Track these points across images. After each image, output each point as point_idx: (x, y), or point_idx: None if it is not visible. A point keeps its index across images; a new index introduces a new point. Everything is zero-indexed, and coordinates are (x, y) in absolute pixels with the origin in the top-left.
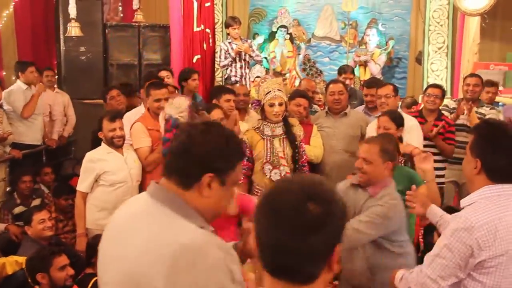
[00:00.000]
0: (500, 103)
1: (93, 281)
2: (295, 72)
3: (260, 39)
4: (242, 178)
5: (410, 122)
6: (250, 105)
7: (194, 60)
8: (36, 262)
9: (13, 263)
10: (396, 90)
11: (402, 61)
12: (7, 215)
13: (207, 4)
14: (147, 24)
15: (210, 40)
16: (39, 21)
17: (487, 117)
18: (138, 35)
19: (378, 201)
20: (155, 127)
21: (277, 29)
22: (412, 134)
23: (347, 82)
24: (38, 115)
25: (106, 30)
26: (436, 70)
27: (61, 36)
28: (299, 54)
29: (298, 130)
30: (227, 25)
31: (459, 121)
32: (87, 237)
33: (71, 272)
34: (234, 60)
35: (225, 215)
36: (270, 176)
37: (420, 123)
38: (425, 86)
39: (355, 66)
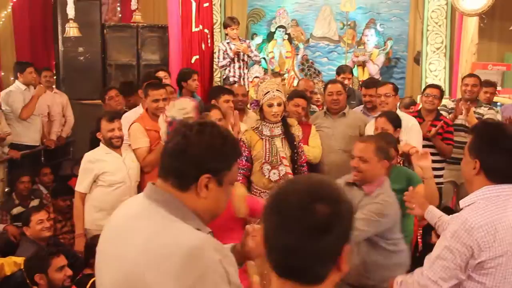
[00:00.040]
0: (498, 103)
1: (91, 281)
2: (294, 72)
3: (258, 40)
4: (240, 179)
5: (410, 122)
6: (248, 106)
7: (193, 61)
8: (34, 263)
9: (11, 263)
10: (396, 89)
11: (401, 61)
12: (5, 215)
13: (206, 5)
14: (145, 24)
15: (209, 41)
16: (37, 21)
17: (485, 117)
18: (137, 35)
19: (373, 199)
20: (153, 128)
21: (276, 29)
22: (412, 134)
23: (346, 82)
24: (37, 115)
25: (105, 31)
26: (435, 70)
27: (60, 37)
28: (297, 54)
29: (297, 131)
30: (225, 26)
31: (457, 121)
32: (85, 237)
33: (69, 273)
34: (232, 60)
35: (235, 217)
36: (269, 176)
37: (419, 123)
38: (423, 86)
39: (354, 66)
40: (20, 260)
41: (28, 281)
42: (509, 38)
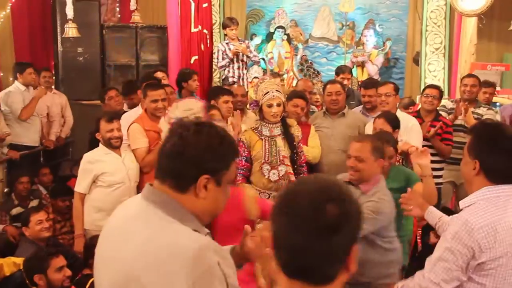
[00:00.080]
0: (497, 104)
1: (90, 282)
2: (293, 72)
3: (257, 40)
4: (240, 179)
5: (410, 122)
6: (248, 106)
7: (192, 61)
8: (33, 263)
9: (10, 264)
10: (396, 89)
11: (400, 61)
12: (4, 216)
13: (205, 5)
14: (144, 25)
15: (208, 41)
16: (36, 22)
17: (484, 117)
18: (136, 36)
19: (370, 197)
20: (152, 128)
21: (275, 30)
22: (412, 134)
23: (345, 82)
24: (36, 116)
25: (104, 31)
26: (434, 71)
27: (59, 37)
28: (296, 54)
29: (296, 131)
30: (224, 26)
31: (456, 122)
32: (85, 238)
33: (68, 273)
34: (231, 61)
35: (246, 219)
36: (269, 176)
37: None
38: (422, 86)
39: (353, 67)
40: (19, 260)
41: (27, 282)
42: (508, 38)
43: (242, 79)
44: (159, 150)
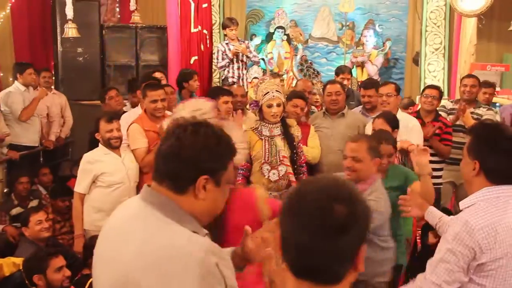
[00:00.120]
0: (497, 104)
1: (89, 282)
2: (292, 73)
3: (257, 40)
4: (240, 179)
5: (411, 122)
6: (248, 106)
7: (192, 61)
8: (33, 264)
9: (10, 264)
10: (398, 89)
11: (399, 62)
12: (4, 216)
13: (204, 5)
14: (144, 25)
15: (208, 41)
16: (36, 22)
17: (484, 118)
18: (136, 36)
19: (367, 197)
20: (152, 128)
21: (274, 30)
22: (413, 135)
23: (345, 82)
24: (36, 116)
25: (103, 31)
26: (433, 71)
27: (58, 37)
28: (296, 55)
29: (296, 131)
30: (224, 26)
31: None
32: (84, 238)
33: (67, 274)
34: (231, 61)
35: (259, 220)
36: (269, 176)
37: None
38: (422, 87)
39: (353, 67)
40: (19, 260)
41: (27, 282)
42: (508, 38)
43: (242, 79)
44: (156, 152)
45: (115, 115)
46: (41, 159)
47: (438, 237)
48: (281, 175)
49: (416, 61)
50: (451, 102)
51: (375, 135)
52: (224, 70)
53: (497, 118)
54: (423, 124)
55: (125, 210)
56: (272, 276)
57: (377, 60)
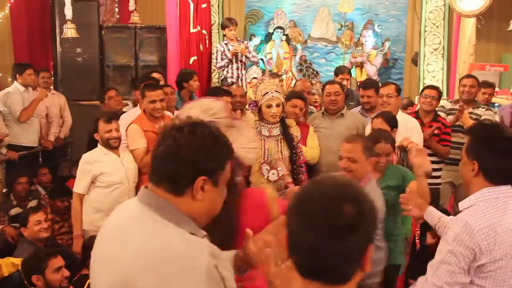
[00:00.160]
0: (496, 104)
1: (88, 282)
2: (292, 73)
3: (256, 40)
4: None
5: (411, 123)
6: (247, 106)
7: (191, 62)
8: (31, 264)
9: (9, 264)
10: (398, 90)
11: (398, 62)
12: (3, 216)
13: (204, 6)
14: (143, 25)
15: (207, 42)
16: (35, 22)
17: (483, 118)
18: (135, 36)
19: None
20: (151, 128)
21: (274, 30)
22: (412, 135)
23: (344, 83)
24: (35, 117)
25: (102, 32)
26: (432, 71)
27: (57, 38)
28: (295, 55)
29: (295, 131)
30: (223, 27)
31: None
32: (83, 238)
33: (66, 274)
34: (230, 61)
35: (270, 221)
36: (268, 176)
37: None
38: (421, 87)
39: (352, 67)
40: (17, 261)
41: (25, 282)
42: (507, 39)
43: (241, 79)
44: (152, 153)
45: (114, 116)
46: (40, 159)
47: (436, 237)
48: (280, 175)
49: (415, 61)
50: (450, 102)
51: (373, 134)
52: (223, 70)
53: (496, 118)
54: (422, 124)
55: (123, 212)
56: (271, 278)
57: (376, 60)
